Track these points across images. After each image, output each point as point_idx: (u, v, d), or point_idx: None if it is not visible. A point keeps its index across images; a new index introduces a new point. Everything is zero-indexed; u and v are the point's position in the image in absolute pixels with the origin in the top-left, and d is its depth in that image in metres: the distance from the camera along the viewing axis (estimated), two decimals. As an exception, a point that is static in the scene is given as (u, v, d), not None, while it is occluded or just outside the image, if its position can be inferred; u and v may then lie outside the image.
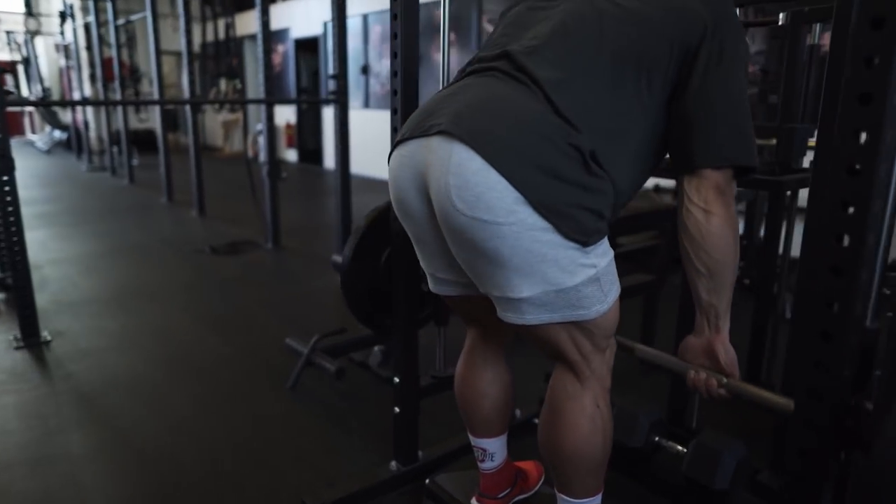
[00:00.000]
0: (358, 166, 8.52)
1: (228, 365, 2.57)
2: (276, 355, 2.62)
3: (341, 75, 3.54)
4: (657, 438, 1.72)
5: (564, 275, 0.98)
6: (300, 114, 9.99)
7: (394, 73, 1.53)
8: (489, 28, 6.44)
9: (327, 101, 3.75)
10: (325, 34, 9.02)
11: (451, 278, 1.19)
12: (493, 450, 1.38)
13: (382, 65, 7.96)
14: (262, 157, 4.49)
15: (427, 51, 7.34)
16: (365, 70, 8.33)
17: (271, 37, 4.28)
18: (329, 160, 9.43)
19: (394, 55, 1.52)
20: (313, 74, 9.94)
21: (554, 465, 1.18)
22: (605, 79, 1.01)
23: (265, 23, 4.18)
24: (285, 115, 10.02)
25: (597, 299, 1.02)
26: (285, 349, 2.50)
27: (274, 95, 4.34)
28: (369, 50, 8.19)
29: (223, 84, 4.69)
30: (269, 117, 4.32)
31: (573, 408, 1.13)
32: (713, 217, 0.99)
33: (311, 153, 9.91)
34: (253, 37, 9.77)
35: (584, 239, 0.97)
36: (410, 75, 1.52)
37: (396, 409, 1.70)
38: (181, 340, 2.83)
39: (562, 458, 1.15)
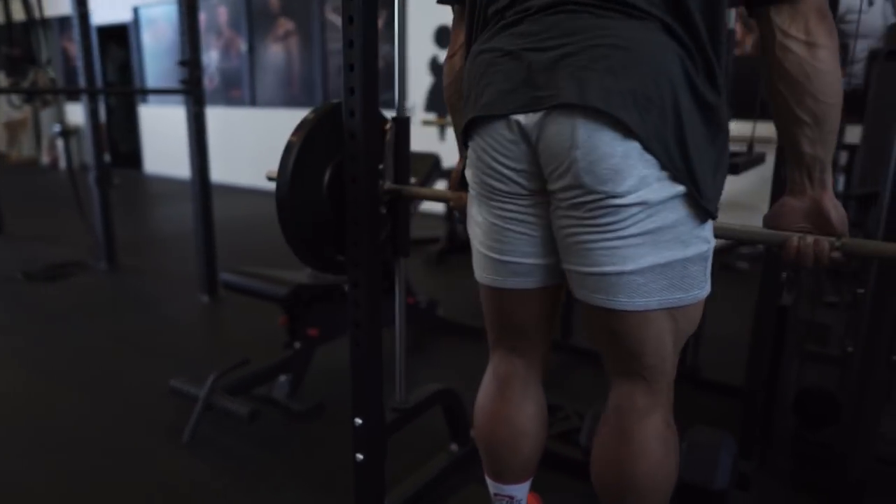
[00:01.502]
0: (181, 168, 7.70)
1: (93, 427, 2.03)
2: (156, 404, 2.13)
3: (193, 62, 3.03)
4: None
5: (678, 246, 0.87)
6: (109, 112, 8.75)
7: (349, 68, 1.23)
8: (333, 18, 6.09)
9: (179, 93, 3.19)
10: (136, 21, 7.96)
11: (538, 262, 1.01)
12: (521, 496, 1.17)
13: (211, 57, 7.21)
14: (63, 163, 3.75)
15: (262, 41, 6.78)
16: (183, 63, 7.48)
17: (74, 21, 3.57)
18: (151, 164, 8.38)
19: (349, 44, 1.22)
20: (121, 68, 8.75)
21: (617, 498, 1.00)
22: None
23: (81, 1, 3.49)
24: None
25: (699, 282, 0.91)
26: (171, 393, 2.03)
27: (76, 87, 3.63)
28: (192, 40, 7.35)
29: (32, 73, 3.83)
30: (94, 113, 3.63)
31: (644, 428, 0.98)
32: (819, 50, 0.83)
33: (127, 156, 8.74)
34: (61, 20, 8.43)
35: (707, 207, 0.87)
36: (370, 69, 1.25)
37: (359, 456, 1.41)
38: (15, 406, 2.18)
39: (629, 490, 0.99)
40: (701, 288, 0.93)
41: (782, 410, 1.86)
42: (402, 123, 1.39)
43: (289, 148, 1.30)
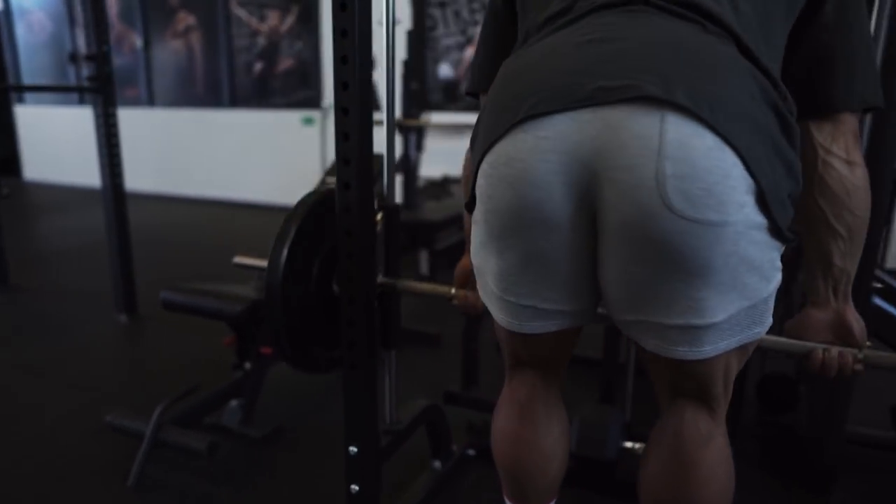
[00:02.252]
0: (69, 174, 7.05)
1: (20, 474, 1.77)
2: (91, 442, 1.89)
3: (102, 57, 2.73)
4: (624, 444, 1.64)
5: (762, 283, 0.79)
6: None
7: (342, 60, 1.12)
8: (239, 13, 5.76)
9: (85, 91, 2.87)
10: (7, 11, 7.17)
11: (563, 308, 0.89)
12: (547, 517, 1.11)
13: (99, 52, 6.62)
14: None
15: (160, 36, 6.31)
16: (74, 58, 6.84)
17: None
18: (32, 170, 7.60)
19: (342, 33, 1.11)
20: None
21: None
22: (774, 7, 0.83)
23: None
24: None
25: (770, 309, 0.85)
26: (109, 429, 1.80)
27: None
28: (77, 33, 6.74)
29: None
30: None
31: (711, 455, 0.92)
32: (857, 168, 0.87)
33: (2, 162, 7.87)
34: None
35: (788, 235, 0.78)
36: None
37: (355, 488, 1.30)
38: None
39: None
40: (771, 314, 0.86)
41: (747, 398, 1.93)
42: (393, 212, 1.31)
43: (281, 239, 1.19)
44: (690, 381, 0.90)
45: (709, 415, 0.93)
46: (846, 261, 0.91)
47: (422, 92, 4.11)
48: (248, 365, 2.03)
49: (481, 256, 0.91)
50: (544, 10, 0.87)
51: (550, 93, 0.74)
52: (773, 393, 1.94)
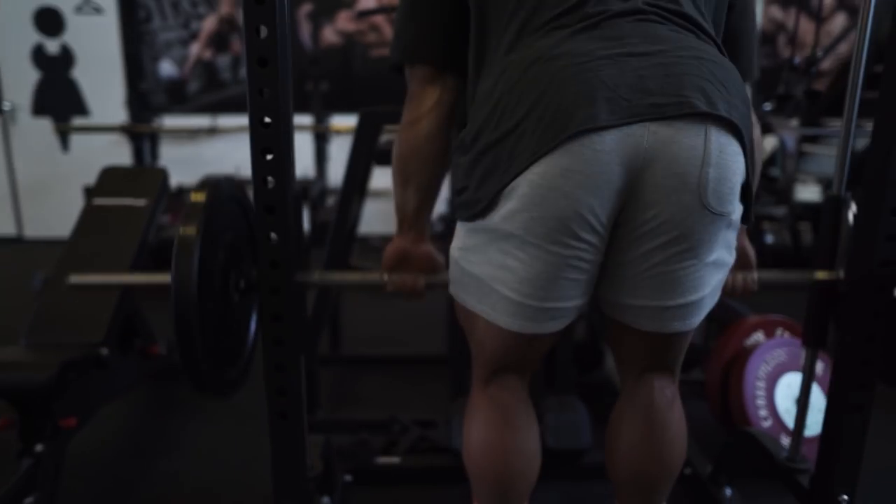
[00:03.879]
0: None
1: None
2: None
3: None
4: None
5: (730, 258, 0.92)
6: None
7: (259, 121, 0.93)
8: None
9: None
10: None
11: (577, 304, 0.93)
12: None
13: None
14: None
15: None
16: None
17: None
18: None
19: (258, 92, 0.93)
20: None
21: (650, 487, 1.06)
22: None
23: None
24: None
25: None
26: None
27: None
28: None
29: None
30: None
31: (676, 415, 1.05)
32: (755, 127, 1.00)
33: None
34: None
35: (749, 218, 0.92)
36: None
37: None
38: None
39: (668, 471, 1.05)
40: None
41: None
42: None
43: (184, 246, 0.92)
44: (670, 352, 1.01)
45: (671, 380, 1.06)
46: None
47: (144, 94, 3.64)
48: (39, 447, 1.56)
49: (496, 264, 0.89)
50: (543, 10, 0.85)
51: (606, 106, 0.77)
52: (584, 357, 2.23)
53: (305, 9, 4.24)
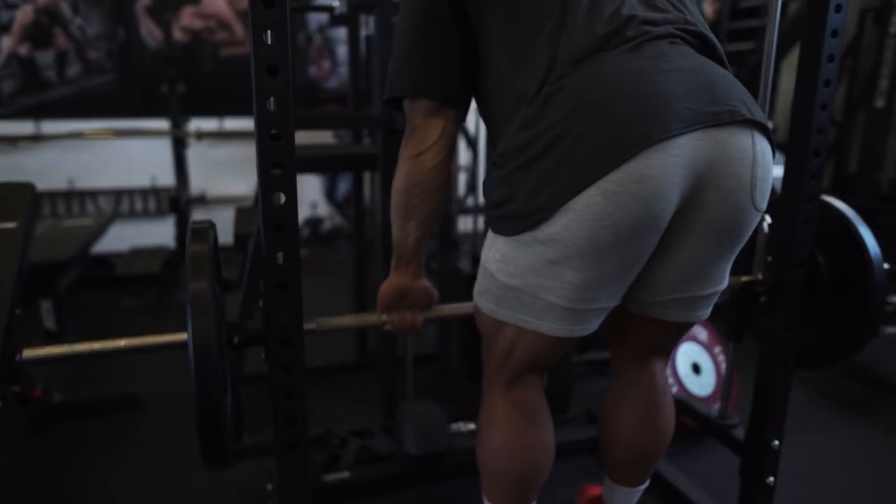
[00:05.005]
0: None
1: None
2: None
3: None
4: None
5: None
6: None
7: (270, 136, 0.87)
8: None
9: None
10: None
11: (617, 301, 0.97)
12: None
13: None
14: None
15: None
16: None
17: None
18: None
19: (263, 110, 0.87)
20: None
21: (648, 460, 1.19)
22: None
23: None
24: None
25: None
26: None
27: None
28: None
29: None
30: None
31: (669, 395, 1.19)
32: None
33: None
34: None
35: None
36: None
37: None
38: None
39: (662, 450, 1.19)
40: None
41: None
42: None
43: (199, 303, 0.82)
44: (678, 338, 1.14)
45: (665, 364, 1.19)
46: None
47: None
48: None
49: (545, 274, 0.90)
50: (582, 36, 0.88)
51: (674, 116, 0.82)
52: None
53: (144, 1, 3.86)
